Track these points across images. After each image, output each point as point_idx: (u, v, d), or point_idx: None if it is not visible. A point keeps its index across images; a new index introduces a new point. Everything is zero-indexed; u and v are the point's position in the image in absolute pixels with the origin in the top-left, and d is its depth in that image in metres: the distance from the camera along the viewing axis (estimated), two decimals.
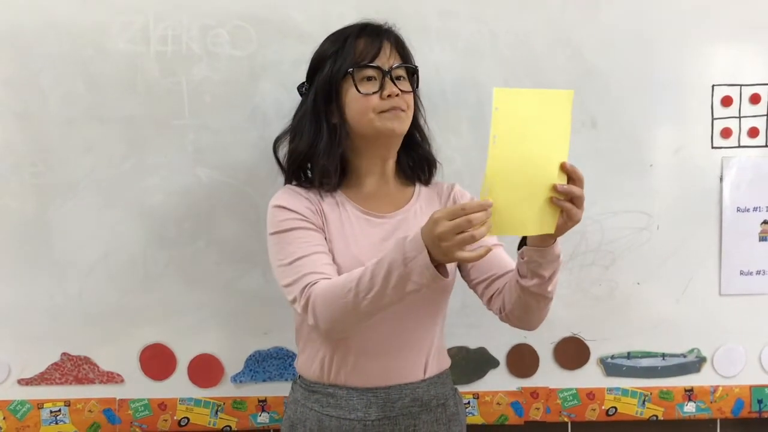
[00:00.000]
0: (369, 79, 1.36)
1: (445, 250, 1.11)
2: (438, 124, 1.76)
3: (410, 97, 1.41)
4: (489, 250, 1.15)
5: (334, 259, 1.36)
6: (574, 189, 1.17)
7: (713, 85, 1.84)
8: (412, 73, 1.44)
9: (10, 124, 1.77)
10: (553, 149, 1.16)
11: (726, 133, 1.85)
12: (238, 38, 1.77)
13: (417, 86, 1.45)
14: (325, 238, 1.38)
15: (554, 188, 1.16)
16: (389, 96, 1.35)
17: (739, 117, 1.85)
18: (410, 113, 1.41)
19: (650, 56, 1.83)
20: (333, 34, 1.42)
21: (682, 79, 1.84)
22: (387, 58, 1.38)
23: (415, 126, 1.48)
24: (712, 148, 1.86)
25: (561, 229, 1.21)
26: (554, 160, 1.16)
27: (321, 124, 1.40)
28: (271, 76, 1.78)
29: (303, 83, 1.46)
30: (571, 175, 1.18)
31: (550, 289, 1.30)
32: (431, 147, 1.54)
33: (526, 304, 1.33)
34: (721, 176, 1.87)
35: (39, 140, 1.78)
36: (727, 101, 1.84)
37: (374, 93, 1.35)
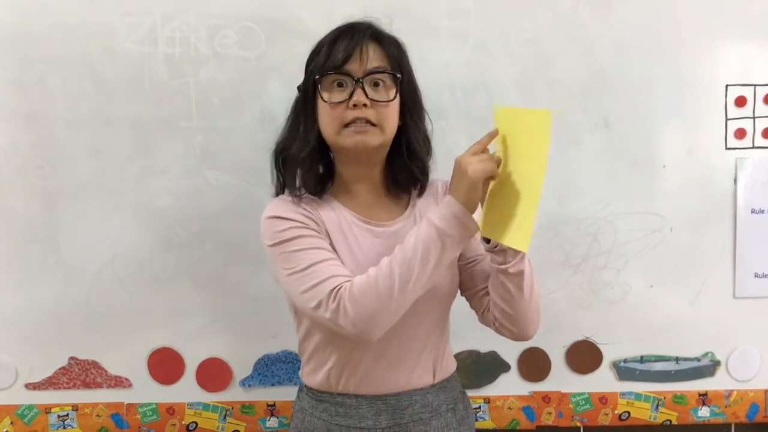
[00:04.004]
0: (340, 84, 1.28)
1: (472, 173, 1.17)
2: (448, 124, 1.76)
3: (387, 108, 1.30)
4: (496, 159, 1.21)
5: None
6: None
7: (727, 85, 1.83)
8: (402, 80, 1.32)
9: (18, 125, 1.76)
10: (535, 164, 1.18)
11: (740, 133, 1.83)
12: (246, 39, 1.76)
13: (418, 100, 1.37)
14: (330, 244, 1.33)
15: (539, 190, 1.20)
16: (355, 106, 1.26)
17: (754, 117, 1.83)
18: (387, 126, 1.30)
19: (663, 56, 1.81)
20: (327, 34, 1.35)
21: (695, 79, 1.82)
22: (361, 63, 1.27)
23: (406, 139, 1.37)
24: (726, 148, 1.84)
25: None
26: (535, 176, 1.18)
27: (299, 125, 1.35)
28: (279, 76, 1.76)
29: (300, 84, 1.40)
30: None
31: (522, 267, 1.27)
32: (426, 161, 1.41)
33: (507, 294, 1.29)
34: (735, 177, 1.85)
35: (46, 142, 1.77)
36: (741, 101, 1.83)
37: (340, 102, 1.27)
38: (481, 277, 1.40)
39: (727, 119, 1.83)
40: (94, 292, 1.81)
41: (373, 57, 1.29)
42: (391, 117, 1.31)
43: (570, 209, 1.83)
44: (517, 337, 1.39)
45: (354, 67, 1.28)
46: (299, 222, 1.31)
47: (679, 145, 1.84)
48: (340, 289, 1.22)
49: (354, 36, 1.29)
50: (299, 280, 1.26)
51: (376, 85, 1.30)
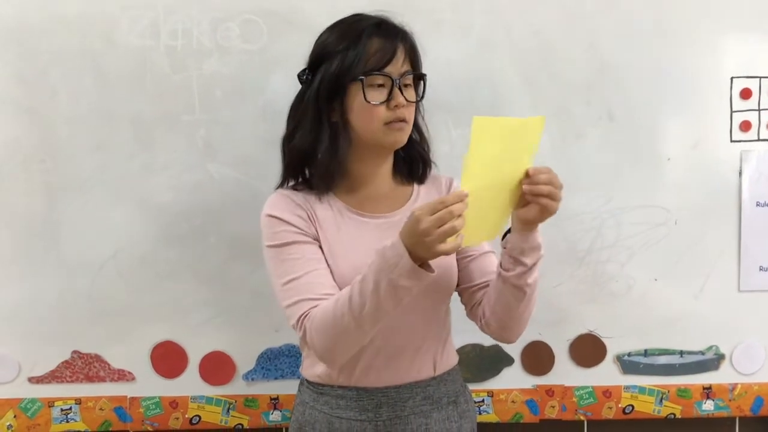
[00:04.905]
0: (378, 86, 1.31)
1: (429, 244, 1.12)
2: (451, 118, 1.75)
3: (413, 108, 1.36)
4: (458, 244, 1.15)
5: (333, 267, 1.33)
6: (536, 188, 1.21)
7: (732, 78, 1.81)
8: (419, 80, 1.39)
9: (19, 120, 1.76)
10: (519, 168, 1.23)
11: (745, 126, 1.82)
12: (249, 32, 1.75)
13: (423, 93, 1.40)
14: (320, 247, 1.35)
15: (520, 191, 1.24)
16: (396, 106, 1.30)
17: (759, 110, 1.82)
18: (411, 124, 1.36)
19: (668, 48, 1.80)
20: (344, 24, 1.36)
21: (700, 72, 1.81)
22: (399, 65, 1.31)
23: (415, 127, 1.42)
24: (731, 141, 1.83)
25: (536, 220, 1.25)
26: (517, 179, 1.24)
27: (323, 123, 1.35)
28: (282, 69, 1.75)
29: (304, 70, 1.39)
30: (536, 177, 1.22)
31: (530, 281, 1.28)
32: (428, 147, 1.47)
33: (506, 302, 1.32)
34: (740, 170, 1.84)
35: (47, 136, 1.77)
36: (746, 94, 1.81)
37: (382, 103, 1.30)
38: (477, 273, 1.41)
39: (732, 111, 1.82)
40: (97, 287, 1.81)
41: (404, 58, 1.34)
42: (414, 114, 1.38)
43: (574, 203, 1.82)
44: (500, 339, 1.44)
45: (395, 68, 1.31)
46: (294, 227, 1.34)
47: (683, 138, 1.83)
48: (306, 316, 1.28)
49: (390, 36, 1.32)
50: (282, 293, 1.32)
51: (406, 85, 1.34)
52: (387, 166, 1.42)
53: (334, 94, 1.33)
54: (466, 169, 1.14)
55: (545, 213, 1.23)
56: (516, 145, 1.21)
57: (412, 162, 1.45)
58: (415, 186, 1.47)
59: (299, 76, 1.39)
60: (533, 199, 1.22)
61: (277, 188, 1.44)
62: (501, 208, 1.25)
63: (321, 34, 1.38)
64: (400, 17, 1.37)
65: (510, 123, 1.22)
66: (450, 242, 1.13)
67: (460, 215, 1.11)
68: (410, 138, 1.40)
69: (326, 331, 1.25)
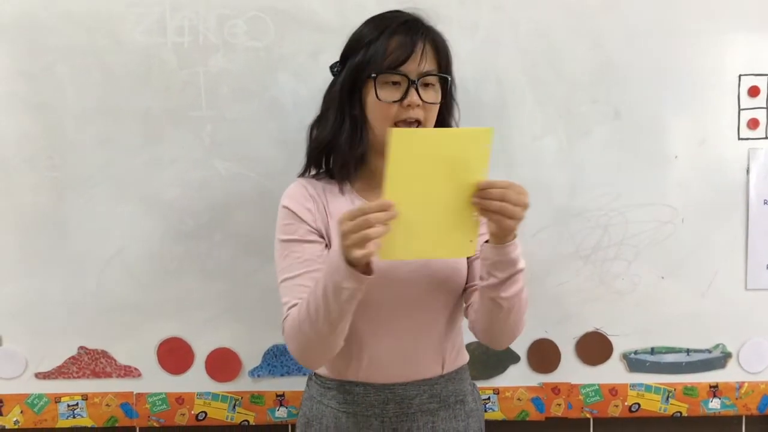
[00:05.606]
0: (394, 83, 1.31)
1: (345, 249, 1.12)
2: (457, 114, 1.74)
3: (432, 109, 1.34)
4: (367, 253, 1.11)
5: None
6: (483, 203, 1.16)
7: (740, 75, 1.81)
8: (446, 81, 1.37)
9: (26, 116, 1.76)
10: (471, 178, 1.18)
11: (753, 123, 1.82)
12: (256, 29, 1.75)
13: (451, 94, 1.40)
14: (326, 245, 1.35)
15: (472, 206, 1.19)
16: (408, 106, 1.30)
17: (767, 107, 1.82)
18: (429, 124, 1.35)
19: (675, 45, 1.80)
20: (376, 19, 1.36)
21: (707, 69, 1.80)
22: (417, 64, 1.30)
23: None
24: (739, 139, 1.83)
25: (498, 234, 1.21)
26: (469, 191, 1.18)
27: (345, 115, 1.36)
28: (288, 66, 1.76)
29: (336, 63, 1.40)
30: (485, 192, 1.17)
31: (503, 295, 1.24)
32: None
33: (486, 310, 1.30)
34: (748, 168, 1.83)
35: (54, 133, 1.77)
36: (754, 91, 1.81)
37: (394, 102, 1.30)
38: (474, 273, 1.40)
39: (740, 109, 1.81)
40: (104, 283, 1.81)
41: (428, 59, 1.32)
42: (434, 115, 1.36)
43: (580, 200, 1.82)
44: (486, 344, 1.41)
45: (411, 68, 1.30)
46: (301, 220, 1.35)
47: (691, 135, 1.82)
48: (285, 320, 1.30)
49: (412, 35, 1.31)
50: (280, 290, 1.35)
51: (426, 86, 1.32)
52: None
53: (354, 87, 1.34)
54: (386, 181, 1.13)
55: (502, 230, 1.19)
56: (456, 157, 1.16)
57: None
58: None
59: (331, 67, 1.41)
60: (484, 215, 1.18)
61: (300, 176, 1.45)
62: (452, 223, 1.19)
63: (358, 27, 1.38)
64: (429, 19, 1.37)
65: (441, 135, 1.21)
66: (359, 252, 1.10)
67: (382, 224, 1.10)
68: None
69: (295, 336, 1.27)
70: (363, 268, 1.15)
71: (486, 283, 1.26)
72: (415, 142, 1.15)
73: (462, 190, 1.17)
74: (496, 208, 1.16)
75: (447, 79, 1.37)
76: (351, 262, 1.13)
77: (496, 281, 1.24)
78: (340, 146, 1.36)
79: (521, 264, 1.24)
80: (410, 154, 1.13)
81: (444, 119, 1.42)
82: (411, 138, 1.16)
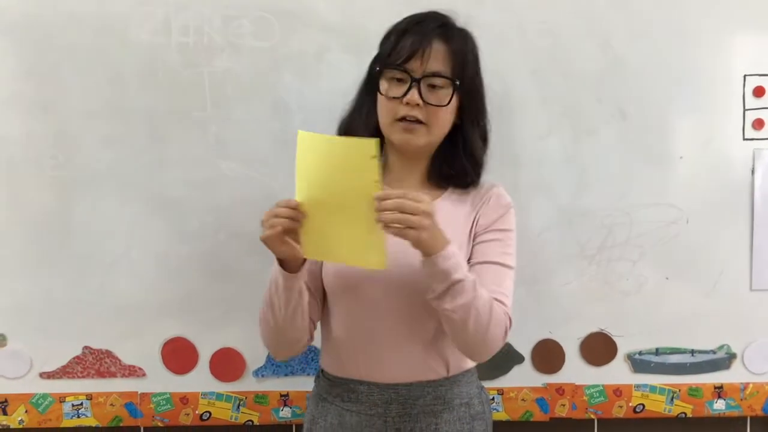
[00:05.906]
0: (399, 80, 1.30)
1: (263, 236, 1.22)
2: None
3: (440, 110, 1.31)
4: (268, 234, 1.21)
5: None
6: (379, 215, 1.14)
7: (745, 75, 1.81)
8: (461, 85, 1.32)
9: (31, 115, 1.76)
10: (366, 189, 1.15)
11: (758, 124, 1.81)
12: (261, 29, 1.75)
13: (476, 101, 1.38)
14: None
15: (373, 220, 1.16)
16: (408, 103, 1.29)
17: None
18: (435, 127, 1.32)
19: (680, 46, 1.79)
20: (406, 18, 1.35)
21: (713, 69, 1.80)
22: (421, 63, 1.28)
23: (462, 137, 1.38)
24: (744, 139, 1.82)
25: (417, 247, 1.19)
26: (369, 200, 1.15)
27: (362, 104, 1.39)
28: (293, 67, 1.76)
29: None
30: (379, 203, 1.14)
31: (448, 307, 1.22)
32: (481, 159, 1.41)
33: (444, 322, 1.28)
34: (753, 168, 1.83)
35: (59, 132, 1.77)
36: (759, 92, 1.81)
37: (395, 98, 1.30)
38: None
39: (745, 110, 1.81)
40: (108, 282, 1.81)
41: (435, 58, 1.30)
42: (441, 118, 1.33)
43: (585, 200, 1.82)
44: (466, 356, 1.40)
45: (415, 66, 1.30)
46: None
47: (696, 135, 1.82)
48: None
49: (421, 33, 1.30)
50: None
51: (432, 86, 1.31)
52: (419, 165, 1.41)
53: (370, 82, 1.37)
54: (297, 181, 1.19)
55: (410, 241, 1.16)
56: (346, 166, 1.15)
57: (453, 173, 1.40)
58: (446, 193, 1.42)
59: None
60: (385, 229, 1.15)
61: None
62: (357, 230, 1.18)
63: None
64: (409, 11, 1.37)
65: (334, 142, 1.21)
66: (263, 237, 1.22)
67: (289, 220, 1.19)
68: (453, 148, 1.38)
69: (260, 324, 1.38)
70: (292, 264, 1.26)
71: (430, 297, 1.24)
72: (316, 147, 1.17)
73: (361, 200, 1.15)
74: (389, 220, 1.13)
75: (454, 84, 1.32)
76: (279, 257, 1.25)
77: (434, 294, 1.23)
78: (355, 131, 1.37)
79: (458, 275, 1.21)
80: (313, 158, 1.16)
81: (464, 126, 1.38)
82: (312, 142, 1.17)
